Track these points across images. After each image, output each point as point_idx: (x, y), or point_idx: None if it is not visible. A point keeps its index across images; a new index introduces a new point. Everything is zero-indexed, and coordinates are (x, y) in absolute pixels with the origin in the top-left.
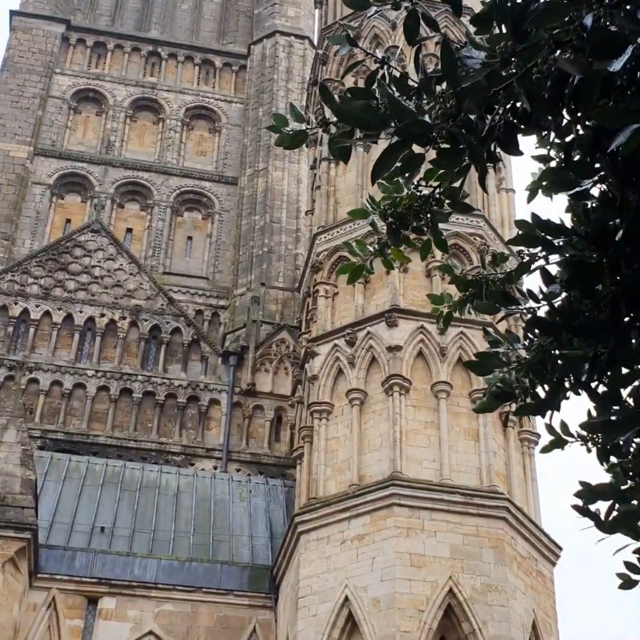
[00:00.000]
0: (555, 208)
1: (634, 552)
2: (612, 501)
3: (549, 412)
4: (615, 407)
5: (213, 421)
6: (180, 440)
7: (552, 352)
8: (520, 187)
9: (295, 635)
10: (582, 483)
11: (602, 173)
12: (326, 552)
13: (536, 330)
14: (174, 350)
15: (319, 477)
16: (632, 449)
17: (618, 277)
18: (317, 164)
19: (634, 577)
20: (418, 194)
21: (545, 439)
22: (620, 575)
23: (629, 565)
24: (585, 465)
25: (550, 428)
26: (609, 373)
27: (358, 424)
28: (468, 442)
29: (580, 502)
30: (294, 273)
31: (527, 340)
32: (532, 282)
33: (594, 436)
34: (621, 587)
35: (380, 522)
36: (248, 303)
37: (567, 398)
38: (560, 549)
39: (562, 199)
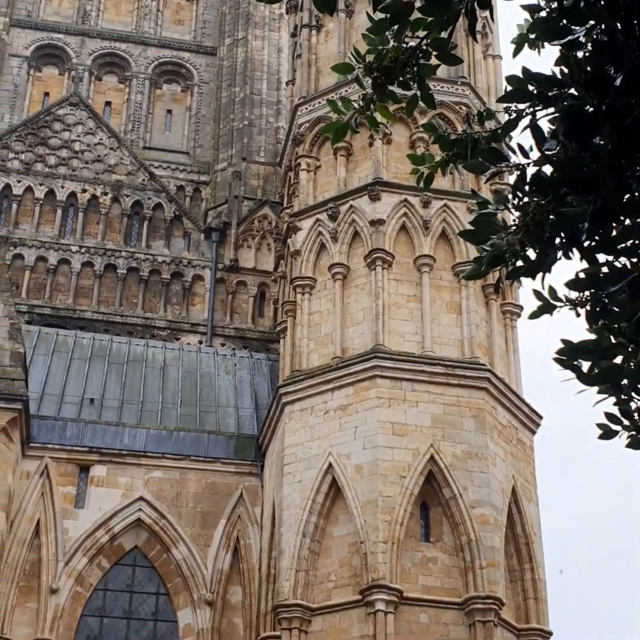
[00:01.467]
0: (542, 65)
1: (615, 403)
2: (594, 358)
3: (539, 275)
4: (604, 265)
5: (197, 297)
6: (165, 316)
7: (549, 212)
8: (508, 52)
9: (281, 500)
10: (563, 341)
11: (594, 20)
12: (310, 422)
13: (531, 188)
14: (157, 226)
15: (302, 350)
16: (618, 309)
17: (617, 126)
18: (298, 32)
19: (614, 427)
20: (405, 45)
21: (534, 305)
22: (600, 425)
23: (609, 416)
24: (568, 333)
25: (538, 294)
26: (603, 230)
27: (340, 298)
28: (450, 315)
29: (562, 357)
30: (276, 147)
31: (516, 200)
32: (521, 141)
33: (583, 298)
34: (601, 437)
35: (362, 393)
36: (229, 178)
37: (558, 259)
38: (541, 417)
39: (549, 55)
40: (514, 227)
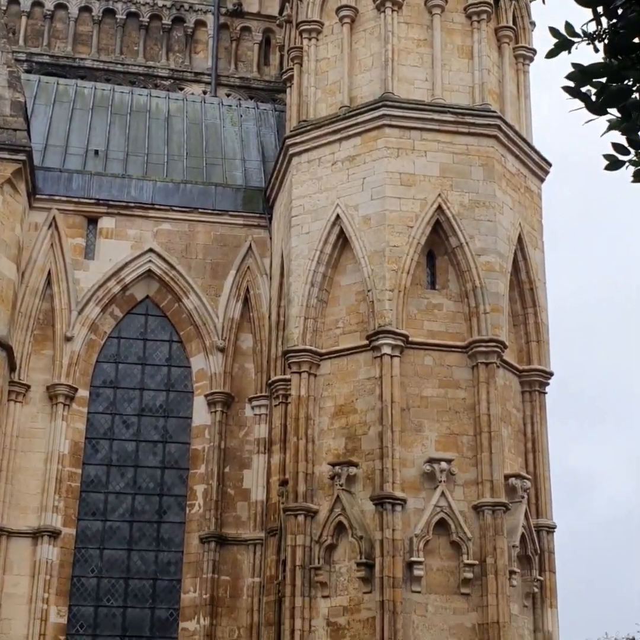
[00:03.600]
0: None
1: (622, 133)
2: (605, 81)
3: None
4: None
5: (200, 44)
6: (167, 64)
7: None
8: None
9: (289, 252)
10: (574, 65)
11: None
12: (318, 173)
13: None
14: None
15: (309, 100)
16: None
17: None
18: None
19: (621, 157)
20: None
21: (550, 45)
22: (607, 156)
23: (616, 146)
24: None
25: (554, 31)
26: None
27: (349, 43)
28: (461, 60)
29: (571, 84)
30: None
31: None
32: None
33: (601, 31)
34: (607, 168)
35: (370, 143)
36: None
37: None
38: (550, 165)
39: None
40: None
